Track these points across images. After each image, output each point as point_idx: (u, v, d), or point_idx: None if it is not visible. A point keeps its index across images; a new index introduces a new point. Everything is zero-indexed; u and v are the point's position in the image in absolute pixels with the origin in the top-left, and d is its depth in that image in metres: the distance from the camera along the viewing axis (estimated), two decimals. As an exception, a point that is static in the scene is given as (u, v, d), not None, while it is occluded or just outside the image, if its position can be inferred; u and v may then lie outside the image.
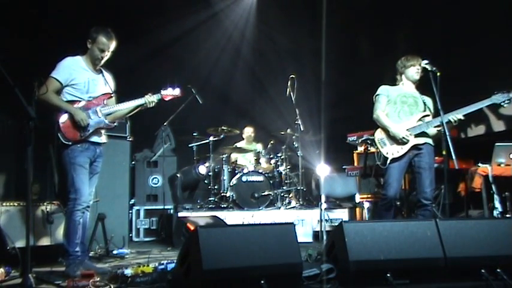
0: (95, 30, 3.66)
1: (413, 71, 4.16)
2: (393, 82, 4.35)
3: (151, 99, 3.81)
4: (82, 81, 3.64)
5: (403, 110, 4.14)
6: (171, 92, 3.93)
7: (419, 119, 4.09)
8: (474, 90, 6.42)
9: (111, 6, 6.80)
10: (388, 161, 4.05)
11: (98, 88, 3.73)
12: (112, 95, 3.82)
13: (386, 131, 4.13)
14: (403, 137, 4.01)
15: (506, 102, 3.87)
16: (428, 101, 4.18)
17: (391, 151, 4.07)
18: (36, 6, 6.46)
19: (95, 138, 3.68)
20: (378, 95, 4.26)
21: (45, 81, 3.50)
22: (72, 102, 3.61)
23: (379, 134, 4.20)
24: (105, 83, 3.80)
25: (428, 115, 4.11)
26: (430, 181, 4.01)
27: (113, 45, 3.69)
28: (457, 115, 3.91)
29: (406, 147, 4.03)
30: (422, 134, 4.06)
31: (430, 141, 4.11)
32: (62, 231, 4.16)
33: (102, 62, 3.74)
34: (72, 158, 3.54)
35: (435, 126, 4.03)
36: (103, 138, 3.79)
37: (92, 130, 3.62)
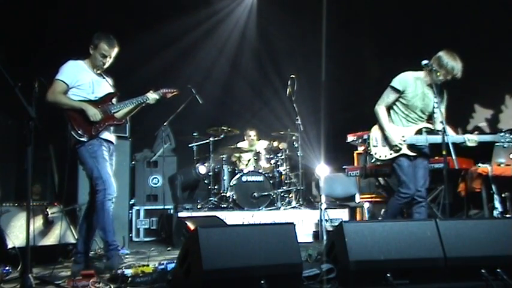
0: (97, 36, 3.71)
1: (440, 77, 3.88)
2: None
3: (153, 96, 3.88)
4: (87, 82, 3.68)
5: (410, 116, 4.02)
6: (170, 90, 4.00)
7: (419, 130, 4.01)
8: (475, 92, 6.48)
9: (111, 7, 6.81)
10: (379, 162, 4.06)
11: (102, 89, 3.77)
12: (117, 94, 3.86)
13: (382, 130, 4.06)
14: (397, 145, 3.96)
15: (507, 143, 3.87)
16: (444, 97, 4.03)
17: (380, 153, 4.04)
18: (37, 7, 6.47)
19: (105, 135, 3.71)
20: (393, 87, 4.01)
21: (50, 84, 3.54)
22: (81, 102, 3.64)
23: (375, 131, 4.13)
24: (108, 84, 3.86)
25: (428, 127, 4.01)
26: (424, 181, 4.00)
27: (114, 51, 3.74)
28: (473, 143, 3.85)
29: (395, 154, 3.99)
30: (415, 146, 3.98)
31: (426, 151, 4.07)
32: (61, 231, 4.17)
33: (104, 67, 3.78)
34: (92, 152, 3.57)
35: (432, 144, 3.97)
36: (113, 137, 3.83)
37: (103, 127, 3.66)
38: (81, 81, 3.66)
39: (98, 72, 3.80)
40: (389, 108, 4.08)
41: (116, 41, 3.74)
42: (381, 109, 4.05)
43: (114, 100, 3.83)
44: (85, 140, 3.56)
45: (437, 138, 3.89)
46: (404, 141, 3.96)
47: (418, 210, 3.97)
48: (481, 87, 6.13)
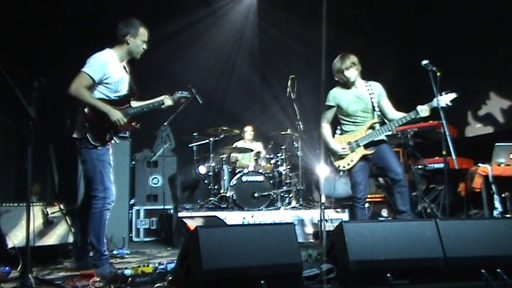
0: (130, 24, 3.58)
1: (343, 78, 4.17)
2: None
3: (168, 102, 3.83)
4: (115, 81, 3.54)
5: (357, 120, 4.21)
6: (184, 94, 3.97)
7: (370, 127, 4.16)
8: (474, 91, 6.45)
9: (111, 6, 6.80)
10: (341, 173, 4.32)
11: (124, 86, 3.67)
12: (136, 95, 3.75)
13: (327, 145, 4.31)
14: (341, 153, 4.18)
15: (446, 104, 3.91)
16: (376, 90, 4.20)
17: (342, 164, 4.22)
18: (37, 7, 6.47)
19: (115, 139, 3.65)
20: (326, 105, 4.32)
21: (76, 76, 3.41)
22: (100, 100, 3.51)
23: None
24: (128, 77, 3.73)
25: (376, 122, 4.17)
26: (396, 161, 4.12)
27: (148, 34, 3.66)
28: (426, 112, 3.94)
29: (355, 159, 4.15)
30: (372, 142, 4.13)
31: (379, 141, 4.17)
32: (61, 231, 4.17)
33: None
34: (101, 155, 3.50)
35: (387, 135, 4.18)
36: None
37: (119, 132, 3.59)
38: (110, 79, 3.49)
39: (123, 64, 3.67)
40: (339, 123, 4.35)
41: None
42: (322, 127, 4.36)
43: (132, 99, 3.74)
44: (98, 145, 3.47)
45: (388, 126, 4.08)
46: (350, 146, 4.16)
47: (400, 190, 4.04)
48: (501, 76, 6.04)
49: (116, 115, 3.47)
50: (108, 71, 3.48)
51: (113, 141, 3.66)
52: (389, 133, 4.32)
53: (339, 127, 4.41)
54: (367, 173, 4.24)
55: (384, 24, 7.44)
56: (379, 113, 4.18)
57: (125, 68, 3.72)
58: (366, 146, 4.13)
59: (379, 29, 7.51)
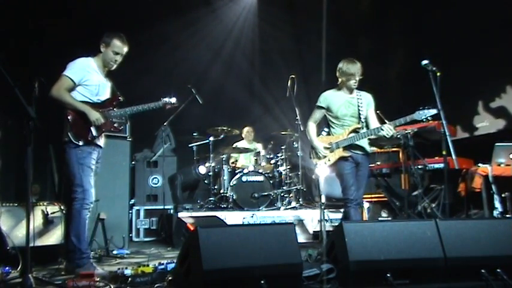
0: (108, 34, 3.73)
1: (352, 82, 4.19)
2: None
3: (152, 106, 3.90)
4: (94, 84, 3.68)
5: (345, 123, 4.26)
6: (170, 101, 4.01)
7: (352, 131, 4.20)
8: (473, 92, 6.43)
9: (111, 6, 6.81)
10: (317, 168, 4.45)
11: (105, 92, 3.79)
12: (120, 99, 3.85)
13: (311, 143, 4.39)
14: (322, 152, 4.28)
15: (426, 118, 3.96)
16: (365, 100, 4.25)
17: (319, 162, 4.35)
18: (37, 7, 6.47)
19: (99, 141, 3.72)
20: (317, 105, 4.37)
21: (56, 80, 3.55)
22: (83, 103, 3.64)
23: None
24: (112, 88, 3.86)
25: (360, 127, 4.20)
26: (363, 190, 4.26)
27: (125, 49, 3.76)
28: (390, 131, 4.01)
29: (332, 159, 4.25)
30: (351, 146, 4.18)
31: (365, 150, 4.24)
32: (61, 231, 4.17)
33: (115, 66, 3.78)
34: (80, 158, 3.57)
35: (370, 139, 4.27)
36: (103, 141, 3.82)
37: (101, 133, 3.67)
38: (89, 81, 3.65)
39: (105, 73, 3.80)
40: (328, 125, 4.39)
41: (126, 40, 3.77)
42: (309, 125, 4.43)
43: (115, 103, 3.82)
44: (80, 144, 3.56)
45: (365, 134, 4.14)
46: (330, 147, 4.25)
47: (348, 209, 4.13)
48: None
49: (95, 115, 3.59)
50: (86, 73, 3.65)
51: (99, 142, 3.71)
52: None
53: (326, 128, 4.48)
54: (355, 176, 4.25)
55: (391, 21, 7.41)
56: (363, 121, 4.24)
57: (107, 77, 3.83)
58: (345, 148, 4.19)
59: (385, 26, 7.49)
